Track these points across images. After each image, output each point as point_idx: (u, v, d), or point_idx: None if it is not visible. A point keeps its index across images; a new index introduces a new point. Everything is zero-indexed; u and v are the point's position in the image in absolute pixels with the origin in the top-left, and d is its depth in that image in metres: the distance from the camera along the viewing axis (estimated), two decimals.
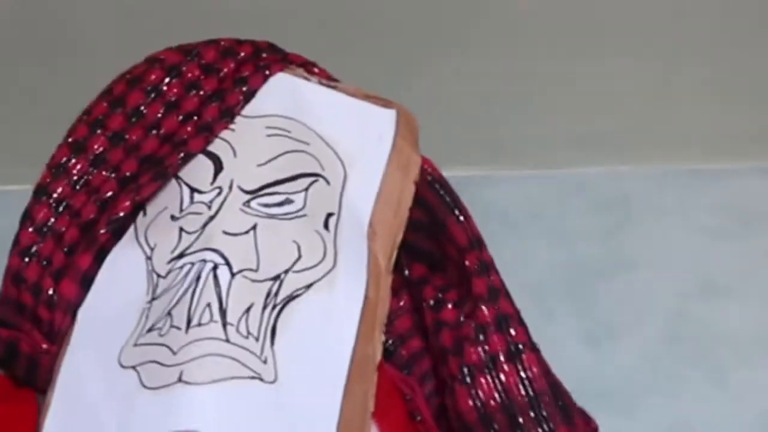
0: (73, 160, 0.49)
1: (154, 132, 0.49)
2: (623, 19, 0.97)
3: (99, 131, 0.49)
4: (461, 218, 0.49)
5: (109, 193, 0.47)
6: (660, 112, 1.00)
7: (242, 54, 0.53)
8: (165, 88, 0.50)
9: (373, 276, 0.44)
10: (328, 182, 0.47)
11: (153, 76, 0.51)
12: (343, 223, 0.46)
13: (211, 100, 0.50)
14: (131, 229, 0.46)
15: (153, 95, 0.50)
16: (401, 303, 0.50)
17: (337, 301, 0.43)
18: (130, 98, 0.50)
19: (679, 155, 1.00)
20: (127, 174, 0.48)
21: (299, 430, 0.37)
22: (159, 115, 0.50)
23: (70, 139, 0.49)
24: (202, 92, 0.51)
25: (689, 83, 1.03)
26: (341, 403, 0.38)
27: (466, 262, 0.47)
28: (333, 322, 0.42)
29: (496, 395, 0.43)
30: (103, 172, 0.48)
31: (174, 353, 0.37)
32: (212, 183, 0.45)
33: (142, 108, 0.50)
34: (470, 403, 0.43)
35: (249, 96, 0.50)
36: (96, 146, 0.49)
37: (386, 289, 0.45)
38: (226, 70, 0.52)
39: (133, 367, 0.38)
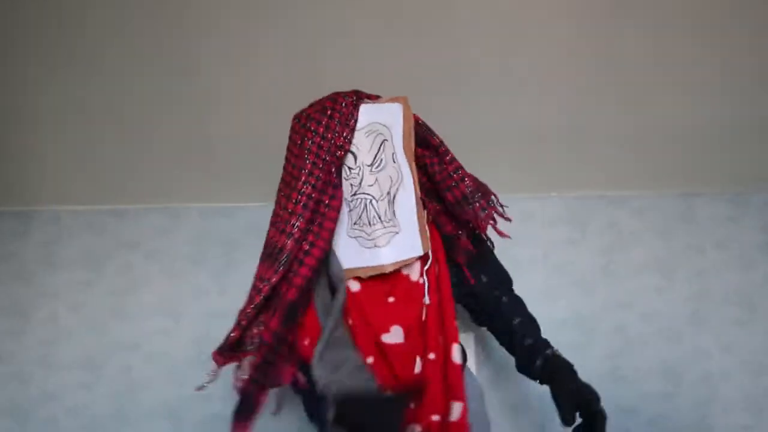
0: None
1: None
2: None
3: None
4: (435, 137, 1.43)
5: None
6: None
7: (351, 99, 1.39)
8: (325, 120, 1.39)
9: (411, 166, 1.38)
10: (387, 139, 1.38)
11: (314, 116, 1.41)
12: (398, 154, 1.38)
13: (344, 125, 1.38)
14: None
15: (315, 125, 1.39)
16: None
17: (406, 188, 1.36)
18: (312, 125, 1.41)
19: None
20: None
21: (412, 245, 1.34)
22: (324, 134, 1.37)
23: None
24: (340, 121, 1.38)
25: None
26: (417, 224, 1.35)
27: (441, 149, 1.41)
28: (407, 196, 1.36)
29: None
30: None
31: (368, 234, 1.33)
32: (355, 164, 1.37)
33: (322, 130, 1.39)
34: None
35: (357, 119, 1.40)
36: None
37: (414, 167, 1.38)
38: (344, 110, 1.38)
39: (354, 238, 1.34)
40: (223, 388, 2.07)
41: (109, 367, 2.05)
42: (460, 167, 1.40)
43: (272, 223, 1.35)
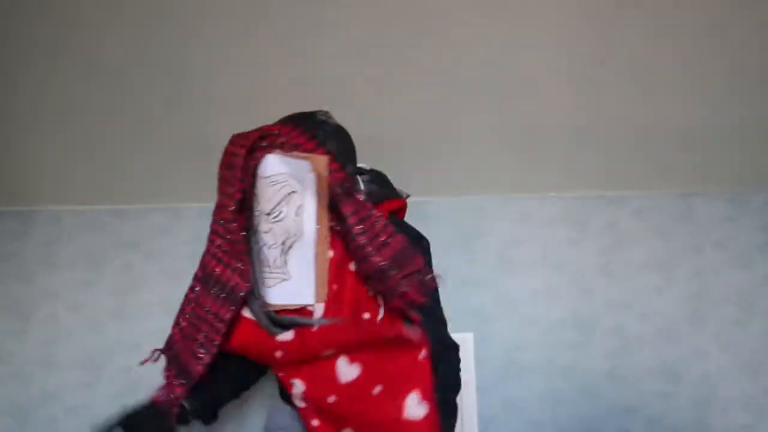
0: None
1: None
2: None
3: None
4: (349, 205, 1.32)
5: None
6: None
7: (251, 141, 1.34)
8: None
9: (321, 225, 1.31)
10: (296, 192, 1.32)
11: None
12: (305, 209, 1.31)
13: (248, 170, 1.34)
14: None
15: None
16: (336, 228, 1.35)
17: (304, 245, 1.31)
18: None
19: None
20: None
21: (300, 293, 1.29)
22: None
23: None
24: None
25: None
26: (314, 275, 1.30)
27: (349, 220, 1.30)
28: (303, 252, 1.30)
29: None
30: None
31: (261, 275, 1.32)
32: (255, 208, 1.34)
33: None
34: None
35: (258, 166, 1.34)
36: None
37: (325, 224, 1.32)
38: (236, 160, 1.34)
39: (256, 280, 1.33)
40: None
41: (110, 367, 2.05)
42: (367, 244, 1.29)
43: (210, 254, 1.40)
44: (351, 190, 1.32)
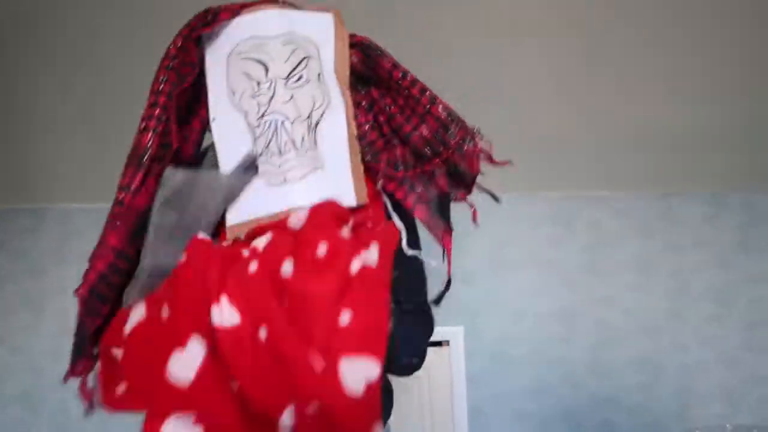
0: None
1: None
2: None
3: None
4: (380, 53, 1.00)
5: None
6: None
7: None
8: None
9: (344, 94, 0.97)
10: (312, 57, 0.97)
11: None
12: (325, 75, 0.97)
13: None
14: (227, 101, 0.94)
15: None
16: (367, 119, 1.02)
17: (335, 115, 0.95)
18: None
19: None
20: None
21: (339, 189, 0.89)
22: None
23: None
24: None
25: None
26: (350, 164, 0.92)
27: (395, 74, 0.98)
28: (336, 126, 0.94)
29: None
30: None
31: (278, 167, 0.89)
32: (265, 77, 0.94)
33: None
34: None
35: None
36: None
37: (349, 97, 0.97)
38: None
39: (260, 175, 0.89)
40: None
41: None
42: (426, 88, 1.01)
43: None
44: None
